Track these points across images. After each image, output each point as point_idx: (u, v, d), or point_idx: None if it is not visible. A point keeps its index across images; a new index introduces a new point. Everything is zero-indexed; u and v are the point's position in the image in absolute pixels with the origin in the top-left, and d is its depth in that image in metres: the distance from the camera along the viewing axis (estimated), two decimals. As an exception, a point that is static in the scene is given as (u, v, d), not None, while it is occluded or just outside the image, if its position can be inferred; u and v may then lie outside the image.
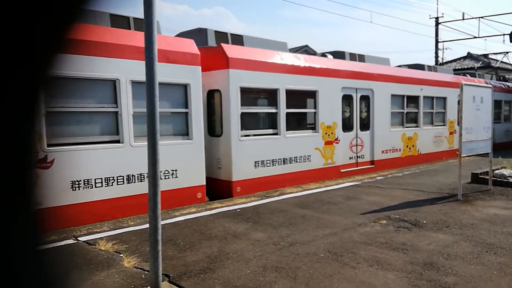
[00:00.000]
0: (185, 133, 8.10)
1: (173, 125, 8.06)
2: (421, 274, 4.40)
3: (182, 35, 9.29)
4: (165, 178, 7.63)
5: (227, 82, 8.65)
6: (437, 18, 29.22)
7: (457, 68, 27.40)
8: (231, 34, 9.60)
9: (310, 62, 10.60)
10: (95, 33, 6.54)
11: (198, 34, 9.20)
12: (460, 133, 8.27)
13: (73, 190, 6.50)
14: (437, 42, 29.79)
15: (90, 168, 6.76)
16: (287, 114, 9.78)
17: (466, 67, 27.65)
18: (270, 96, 9.70)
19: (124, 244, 5.46)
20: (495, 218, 6.69)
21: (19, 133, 0.77)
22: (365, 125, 12.20)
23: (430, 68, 16.05)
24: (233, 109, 8.71)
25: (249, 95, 9.28)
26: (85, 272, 4.55)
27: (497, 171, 10.06)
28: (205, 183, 8.36)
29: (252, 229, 6.20)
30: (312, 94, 10.52)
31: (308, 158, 10.38)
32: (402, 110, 13.65)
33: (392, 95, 12.93)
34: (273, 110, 9.62)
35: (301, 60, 10.35)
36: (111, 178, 7.00)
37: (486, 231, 5.96)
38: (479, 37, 25.80)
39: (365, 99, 12.16)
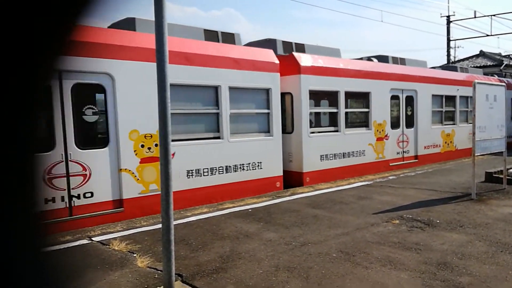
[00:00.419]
0: (267, 130, 9.45)
1: (258, 124, 9.38)
2: (434, 274, 4.37)
3: (253, 44, 10.35)
4: (252, 169, 9.09)
5: (299, 86, 10.00)
6: (448, 17, 28.94)
7: (469, 66, 27.05)
8: (295, 43, 10.95)
9: (364, 66, 11.96)
10: (203, 47, 8.31)
11: (268, 44, 10.33)
12: (473, 132, 8.19)
13: (187, 178, 7.99)
14: (448, 40, 29.50)
15: (199, 160, 8.19)
16: (346, 113, 11.24)
17: (479, 65, 27.29)
18: (332, 97, 11.20)
19: (137, 244, 5.51)
20: (510, 218, 6.60)
21: (19, 133, 0.78)
22: (410, 123, 13.39)
23: (462, 69, 17.21)
24: (304, 109, 10.03)
25: (315, 97, 10.81)
26: (99, 271, 4.60)
27: (511, 170, 9.92)
28: (282, 174, 9.70)
29: (264, 229, 6.21)
30: (366, 95, 11.82)
31: (363, 153, 11.67)
32: (441, 109, 14.88)
33: (433, 95, 14.19)
34: (334, 110, 11.02)
35: (357, 65, 11.73)
36: (214, 168, 8.43)
37: (501, 231, 5.89)
38: (491, 35, 25.48)
39: (410, 99, 13.39)
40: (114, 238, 5.77)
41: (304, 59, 10.19)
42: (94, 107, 7.04)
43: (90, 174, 6.73)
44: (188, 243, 5.57)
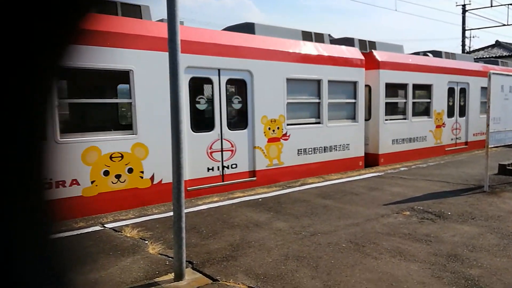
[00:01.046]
0: (353, 117, 11.24)
1: (346, 112, 11.15)
2: (444, 266, 4.36)
3: (334, 42, 11.58)
4: (342, 150, 10.93)
5: (378, 79, 11.68)
6: (464, 6, 28.36)
7: (485, 56, 26.58)
8: (369, 41, 12.40)
9: (427, 62, 13.47)
10: (313, 48, 10.04)
11: (347, 42, 11.76)
12: (487, 123, 8.08)
13: (298, 155, 9.80)
14: (464, 30, 28.96)
15: (306, 141, 9.96)
16: (413, 103, 12.92)
17: (494, 55, 26.78)
18: (402, 89, 12.74)
19: (149, 231, 5.59)
20: (523, 211, 6.53)
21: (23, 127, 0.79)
22: (462, 112, 14.98)
23: (503, 63, 18.20)
24: (381, 99, 11.75)
25: (389, 89, 12.10)
26: (111, 257, 4.68)
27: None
28: (363, 155, 11.50)
29: (274, 219, 6.24)
30: (428, 87, 13.42)
31: (424, 138, 13.35)
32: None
33: (482, 87, 15.24)
34: (403, 100, 12.72)
35: (421, 60, 13.25)
36: (316, 148, 10.23)
37: (513, 224, 5.83)
38: (508, 24, 24.92)
39: (463, 91, 14.93)
40: (126, 225, 5.85)
41: (382, 56, 11.87)
42: (239, 97, 8.84)
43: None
44: (199, 231, 5.63)
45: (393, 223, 5.95)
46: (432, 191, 8.08)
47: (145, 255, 4.77)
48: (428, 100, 13.59)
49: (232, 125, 8.60)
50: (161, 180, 7.43)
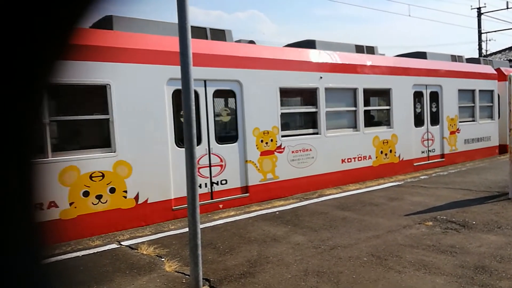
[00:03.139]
0: (491, 116, 14.97)
1: (486, 112, 14.81)
2: (472, 279, 4.16)
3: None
4: (487, 141, 14.60)
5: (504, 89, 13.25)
6: (479, 9, 27.98)
7: (503, 59, 26.06)
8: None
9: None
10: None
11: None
12: (509, 128, 7.83)
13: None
14: (480, 33, 28.53)
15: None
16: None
17: (512, 58, 26.25)
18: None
19: (165, 248, 5.52)
20: (552, 218, 6.26)
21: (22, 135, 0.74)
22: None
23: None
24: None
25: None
26: (128, 276, 4.61)
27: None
28: (498, 145, 15.09)
29: (292, 232, 6.10)
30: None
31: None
32: None
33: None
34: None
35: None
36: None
37: (543, 232, 5.58)
38: (526, 26, 24.41)
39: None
40: (142, 242, 5.79)
41: (506, 71, 15.33)
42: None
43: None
44: (215, 247, 5.53)
45: (416, 234, 5.75)
46: (455, 200, 7.83)
47: (162, 273, 4.68)
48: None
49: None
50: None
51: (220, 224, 6.73)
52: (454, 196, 8.13)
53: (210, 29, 8.40)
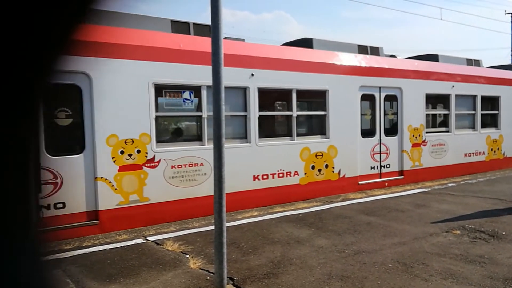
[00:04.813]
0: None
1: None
2: (502, 291, 4.05)
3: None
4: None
5: None
6: (514, 14, 27.11)
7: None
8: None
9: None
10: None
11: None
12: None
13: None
14: (514, 39, 27.62)
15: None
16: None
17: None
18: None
19: (190, 245, 5.58)
20: None
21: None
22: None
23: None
24: None
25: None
26: (153, 271, 4.69)
27: None
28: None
29: (315, 235, 6.07)
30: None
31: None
32: None
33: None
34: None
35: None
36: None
37: None
38: None
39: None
40: (168, 239, 5.88)
41: None
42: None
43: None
44: (239, 246, 5.56)
45: (443, 242, 5.63)
46: (484, 209, 7.62)
47: (186, 269, 4.74)
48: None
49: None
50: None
51: (243, 223, 6.76)
52: (483, 205, 7.92)
53: (370, 47, 10.78)
